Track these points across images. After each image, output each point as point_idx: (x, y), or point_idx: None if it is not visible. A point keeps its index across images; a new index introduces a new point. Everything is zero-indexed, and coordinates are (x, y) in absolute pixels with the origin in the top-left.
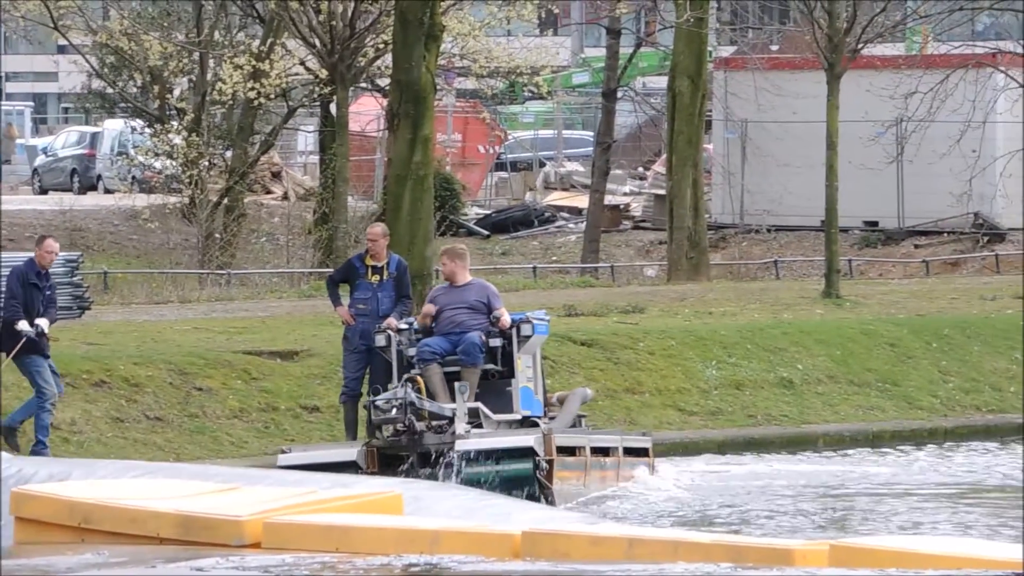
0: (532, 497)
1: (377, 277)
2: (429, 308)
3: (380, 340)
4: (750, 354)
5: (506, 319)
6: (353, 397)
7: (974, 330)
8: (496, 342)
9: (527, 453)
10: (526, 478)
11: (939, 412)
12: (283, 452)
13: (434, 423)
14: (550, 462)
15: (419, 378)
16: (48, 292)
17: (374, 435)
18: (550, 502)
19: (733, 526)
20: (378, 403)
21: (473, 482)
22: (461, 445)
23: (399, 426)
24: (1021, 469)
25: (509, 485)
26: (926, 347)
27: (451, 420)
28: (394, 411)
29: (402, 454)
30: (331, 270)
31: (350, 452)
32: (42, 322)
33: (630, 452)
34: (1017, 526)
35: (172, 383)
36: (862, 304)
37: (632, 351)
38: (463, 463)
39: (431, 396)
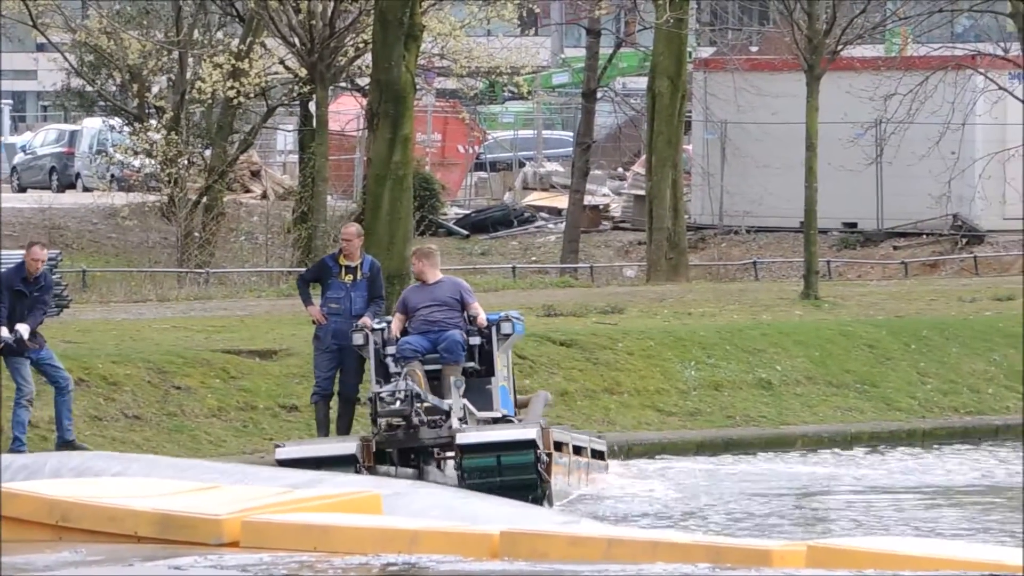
0: (530, 489)
1: (351, 277)
2: (396, 326)
3: (358, 339)
4: (729, 355)
5: (483, 317)
6: (325, 397)
7: (952, 332)
8: (475, 340)
9: (529, 446)
10: (527, 471)
11: (917, 413)
12: (278, 446)
13: (428, 418)
14: (549, 455)
15: (417, 372)
16: (37, 294)
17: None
18: (547, 496)
19: (716, 526)
20: (383, 395)
21: (474, 474)
22: (463, 438)
23: (404, 419)
24: (1022, 469)
25: (510, 478)
26: (904, 348)
27: (447, 415)
28: (399, 403)
29: (400, 449)
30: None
31: (349, 446)
32: (22, 328)
33: (595, 454)
34: (996, 528)
35: (151, 382)
36: (841, 305)
37: (611, 351)
38: (462, 456)
39: None
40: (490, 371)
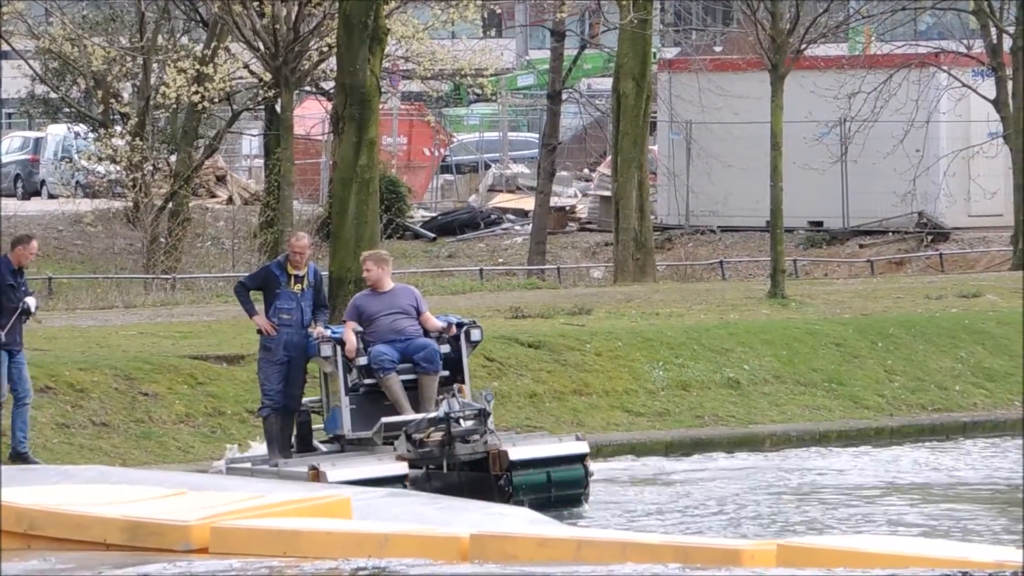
0: (577, 503)
1: (299, 286)
2: (351, 346)
3: (326, 350)
4: (697, 355)
5: (440, 324)
6: (277, 410)
7: (919, 329)
8: (445, 348)
9: (579, 460)
10: (577, 485)
11: (885, 411)
12: (280, 462)
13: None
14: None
15: (461, 387)
16: (24, 287)
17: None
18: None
19: (687, 526)
20: (453, 414)
21: (525, 490)
22: (515, 454)
23: (478, 436)
24: (1022, 467)
25: (560, 493)
26: (871, 347)
27: (480, 431)
28: (474, 422)
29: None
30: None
31: (398, 467)
32: (30, 300)
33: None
34: (968, 525)
35: (118, 388)
36: (808, 304)
37: (579, 352)
38: (511, 473)
39: (395, 404)
40: (461, 378)
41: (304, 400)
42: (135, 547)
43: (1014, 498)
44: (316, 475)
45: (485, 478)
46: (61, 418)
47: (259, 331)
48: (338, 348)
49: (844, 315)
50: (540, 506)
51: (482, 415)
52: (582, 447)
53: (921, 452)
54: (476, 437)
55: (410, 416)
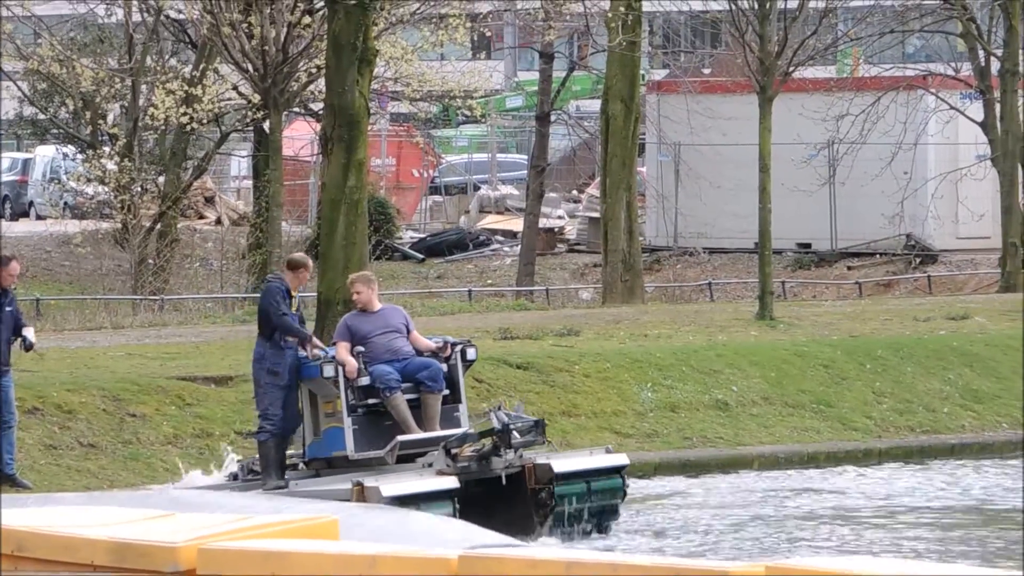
0: (614, 514)
1: (294, 308)
2: (351, 367)
3: (329, 370)
4: (685, 376)
5: (428, 342)
6: (275, 434)
7: (907, 351)
8: (443, 368)
9: (617, 471)
10: (615, 495)
11: (873, 433)
12: (292, 482)
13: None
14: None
15: (505, 400)
16: (10, 309)
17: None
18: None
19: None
20: (511, 426)
21: (566, 500)
22: (559, 466)
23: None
24: (1022, 488)
25: (598, 503)
26: (860, 368)
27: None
28: (532, 434)
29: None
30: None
31: (449, 481)
32: (29, 332)
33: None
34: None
35: (105, 409)
36: (796, 326)
37: (568, 374)
38: (553, 484)
39: (402, 423)
40: (456, 398)
41: None
42: (123, 569)
43: (1008, 518)
44: (362, 491)
45: (517, 492)
46: (49, 439)
47: (266, 357)
48: (340, 369)
49: (832, 337)
50: (577, 516)
51: (539, 426)
52: (622, 459)
53: (929, 473)
54: (532, 447)
55: (422, 435)
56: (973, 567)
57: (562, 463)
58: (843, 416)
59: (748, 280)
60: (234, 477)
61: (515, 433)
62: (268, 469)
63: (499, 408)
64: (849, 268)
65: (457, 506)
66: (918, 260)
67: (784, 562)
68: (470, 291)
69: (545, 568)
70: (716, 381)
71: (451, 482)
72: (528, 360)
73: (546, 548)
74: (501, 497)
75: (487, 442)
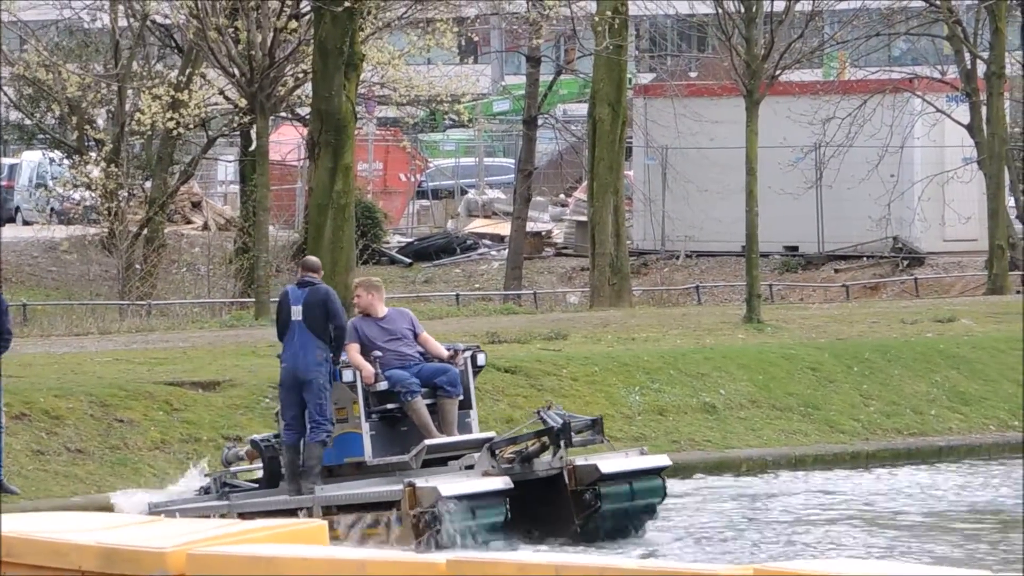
0: (653, 513)
1: None
2: (368, 372)
3: (348, 375)
4: (673, 379)
5: (441, 348)
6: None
7: (894, 354)
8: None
9: (658, 472)
10: (655, 495)
11: (861, 436)
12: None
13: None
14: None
15: (552, 402)
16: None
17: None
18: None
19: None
20: (570, 429)
21: (610, 500)
22: (605, 467)
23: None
24: (1022, 490)
25: (640, 502)
26: (847, 371)
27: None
28: (588, 432)
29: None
30: (251, 300)
31: (503, 480)
32: None
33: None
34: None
35: (93, 415)
36: (783, 329)
37: (555, 378)
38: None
39: (423, 428)
40: (467, 403)
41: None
42: (111, 574)
43: (1002, 521)
44: (413, 492)
45: (559, 493)
46: (36, 445)
47: (329, 361)
48: (357, 374)
49: (819, 340)
50: (619, 517)
51: (596, 425)
52: (663, 460)
53: (922, 475)
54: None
55: (445, 439)
56: (967, 571)
57: (607, 464)
58: (831, 419)
59: (735, 283)
60: (205, 491)
61: (572, 434)
62: (313, 473)
63: (548, 408)
64: (836, 271)
65: (507, 506)
66: (905, 263)
67: (772, 565)
68: (458, 295)
69: (533, 572)
70: (704, 384)
71: (504, 482)
72: (516, 364)
73: (535, 552)
74: (543, 499)
75: (533, 443)
